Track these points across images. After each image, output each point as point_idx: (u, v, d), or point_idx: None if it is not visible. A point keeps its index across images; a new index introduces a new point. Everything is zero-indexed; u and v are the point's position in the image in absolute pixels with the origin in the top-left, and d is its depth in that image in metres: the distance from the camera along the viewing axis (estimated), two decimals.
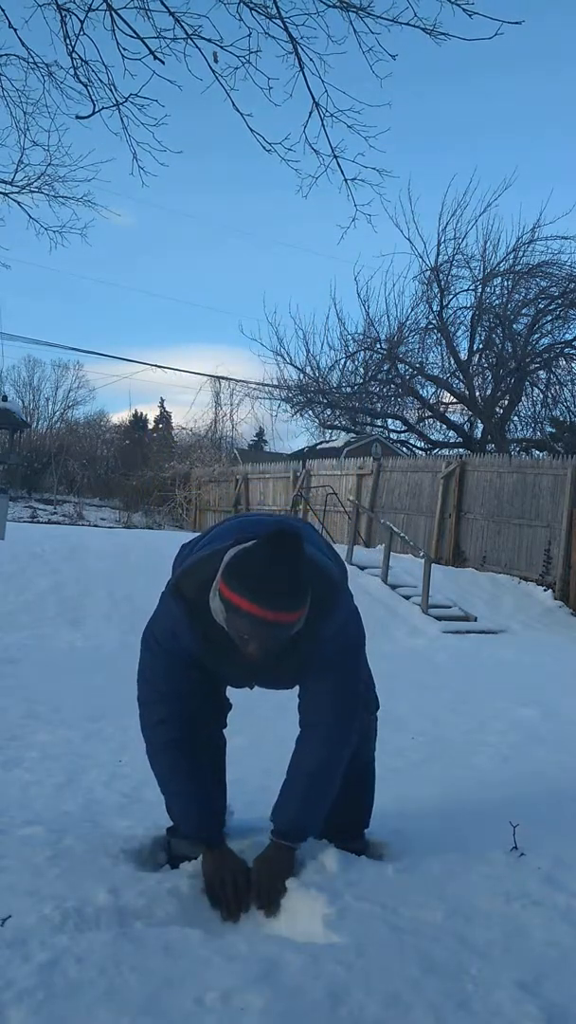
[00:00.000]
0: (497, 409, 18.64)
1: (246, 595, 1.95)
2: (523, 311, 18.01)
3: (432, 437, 19.97)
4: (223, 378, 30.38)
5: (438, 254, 17.58)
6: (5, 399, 25.33)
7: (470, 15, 4.76)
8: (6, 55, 6.20)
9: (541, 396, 18.99)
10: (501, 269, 17.66)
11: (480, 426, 18.91)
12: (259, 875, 2.20)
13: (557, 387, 18.82)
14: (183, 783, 2.30)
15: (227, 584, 2.00)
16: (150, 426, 40.37)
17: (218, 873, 2.21)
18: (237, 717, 2.62)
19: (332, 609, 2.18)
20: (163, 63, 5.16)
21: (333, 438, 25.85)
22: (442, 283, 17.73)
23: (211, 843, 2.28)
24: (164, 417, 41.70)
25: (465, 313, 18.31)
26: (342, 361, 19.12)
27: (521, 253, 17.49)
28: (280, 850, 2.25)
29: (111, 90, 5.51)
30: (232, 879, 2.19)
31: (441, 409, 19.35)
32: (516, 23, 4.72)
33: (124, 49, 5.23)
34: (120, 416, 51.73)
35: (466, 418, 19.47)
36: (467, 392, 18.39)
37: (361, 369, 19.17)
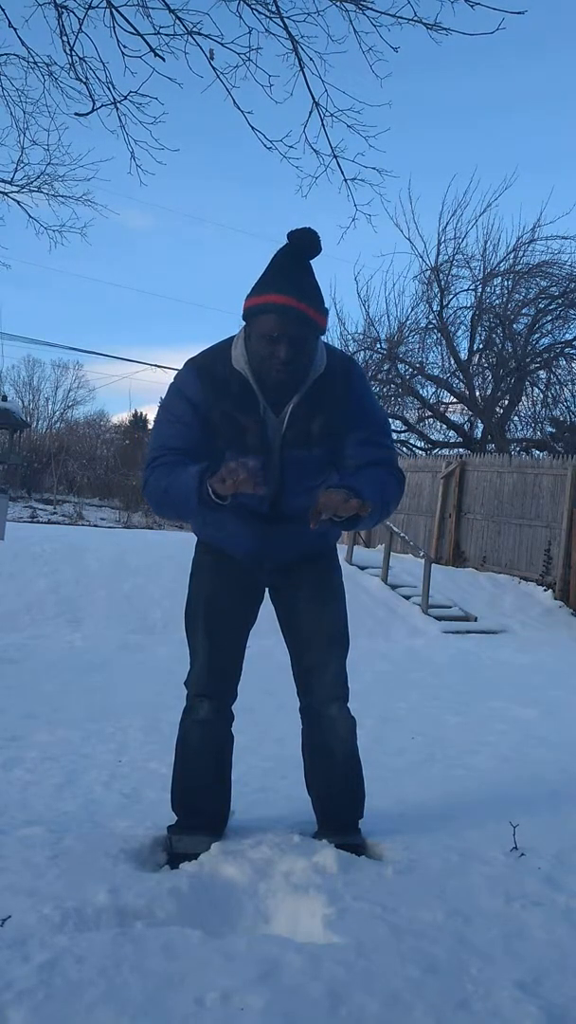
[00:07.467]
0: (497, 409, 18.61)
1: (270, 290, 2.19)
2: (523, 311, 17.97)
3: (432, 437, 19.93)
4: None
5: (438, 254, 17.56)
6: (5, 399, 25.27)
7: (472, 5, 4.70)
8: (6, 55, 6.20)
9: (541, 396, 18.96)
10: (501, 269, 17.63)
11: (480, 426, 18.87)
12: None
13: (557, 387, 18.78)
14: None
15: (250, 296, 2.23)
16: (150, 426, 40.36)
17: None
18: (237, 717, 2.62)
19: (354, 365, 2.44)
20: (163, 60, 5.15)
21: None
22: (442, 283, 17.71)
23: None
24: None
25: (465, 313, 18.28)
26: None
27: (521, 253, 17.46)
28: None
29: (109, 88, 5.50)
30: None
31: (441, 409, 19.31)
32: (519, 13, 4.64)
33: (124, 47, 5.22)
34: (120, 416, 51.93)
35: (466, 418, 19.43)
36: (467, 392, 18.36)
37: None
